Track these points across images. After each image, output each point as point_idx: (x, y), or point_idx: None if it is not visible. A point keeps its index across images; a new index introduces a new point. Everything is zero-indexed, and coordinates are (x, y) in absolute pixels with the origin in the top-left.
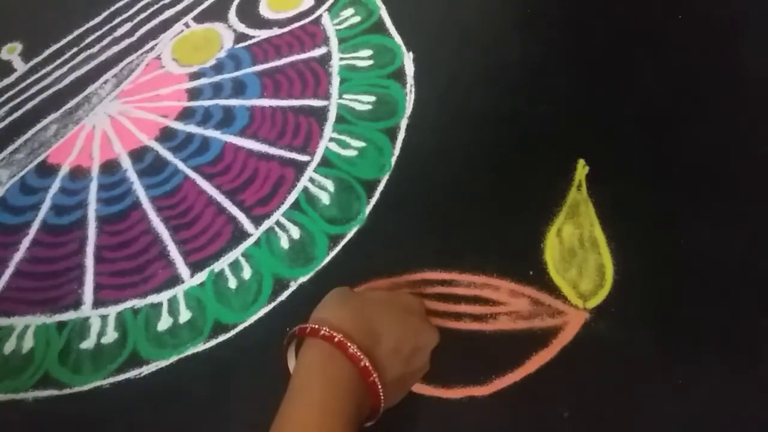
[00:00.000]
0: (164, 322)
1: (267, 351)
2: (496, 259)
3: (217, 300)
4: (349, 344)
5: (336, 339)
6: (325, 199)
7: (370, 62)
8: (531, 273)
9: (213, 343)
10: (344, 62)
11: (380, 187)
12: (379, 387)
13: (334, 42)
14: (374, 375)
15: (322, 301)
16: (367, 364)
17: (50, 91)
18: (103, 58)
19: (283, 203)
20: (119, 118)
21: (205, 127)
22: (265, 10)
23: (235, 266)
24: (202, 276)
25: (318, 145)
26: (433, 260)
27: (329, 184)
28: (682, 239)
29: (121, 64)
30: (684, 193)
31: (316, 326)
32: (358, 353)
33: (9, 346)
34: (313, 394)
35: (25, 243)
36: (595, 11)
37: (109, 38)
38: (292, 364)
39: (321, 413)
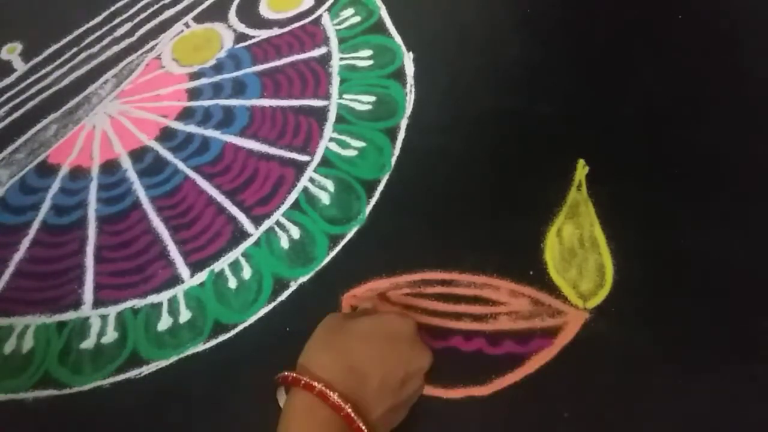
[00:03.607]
0: (164, 322)
1: (267, 351)
2: (496, 259)
3: (217, 300)
4: (329, 393)
5: (316, 389)
6: (325, 199)
7: (370, 62)
8: (531, 273)
9: (213, 343)
10: (344, 62)
11: (380, 187)
12: (364, 430)
13: (334, 42)
14: (358, 421)
15: (311, 336)
16: (350, 411)
17: (50, 91)
18: (103, 58)
19: (283, 203)
20: (119, 118)
21: (205, 127)
22: (265, 10)
23: (235, 266)
24: (202, 276)
25: (318, 145)
26: (433, 260)
27: (329, 184)
28: (682, 239)
29: (121, 64)
30: (684, 193)
31: (297, 376)
32: (339, 402)
33: (9, 346)
34: None
35: (25, 243)
36: (595, 11)
37: (109, 38)
38: (282, 403)
39: None
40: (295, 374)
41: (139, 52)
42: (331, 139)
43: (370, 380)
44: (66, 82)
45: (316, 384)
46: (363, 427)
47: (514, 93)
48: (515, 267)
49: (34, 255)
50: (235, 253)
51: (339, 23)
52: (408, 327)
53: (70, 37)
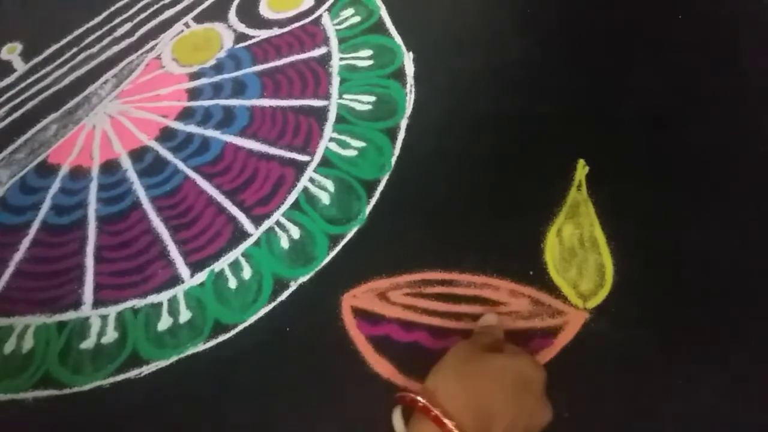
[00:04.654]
0: (164, 322)
1: (267, 351)
2: (496, 259)
3: (217, 300)
4: None
5: (447, 427)
6: (325, 199)
7: (370, 62)
8: (531, 273)
9: (213, 343)
10: (344, 62)
11: (380, 187)
12: None
13: (334, 42)
14: None
15: (441, 361)
16: None
17: (50, 91)
18: (103, 58)
19: (283, 203)
20: (119, 118)
21: (205, 127)
22: (265, 10)
23: (235, 266)
24: (202, 276)
25: (318, 145)
26: (433, 260)
27: (329, 184)
28: (682, 239)
29: (121, 64)
30: (684, 193)
31: (427, 405)
32: None
33: (9, 346)
34: None
35: (25, 243)
36: (595, 11)
37: (109, 38)
38: (398, 425)
39: None
40: (424, 401)
41: (139, 52)
42: (331, 139)
43: (496, 425)
44: (66, 82)
45: (447, 422)
46: None
47: (514, 93)
48: (515, 267)
49: (34, 255)
50: (235, 253)
51: (339, 23)
52: (541, 377)
53: (70, 37)
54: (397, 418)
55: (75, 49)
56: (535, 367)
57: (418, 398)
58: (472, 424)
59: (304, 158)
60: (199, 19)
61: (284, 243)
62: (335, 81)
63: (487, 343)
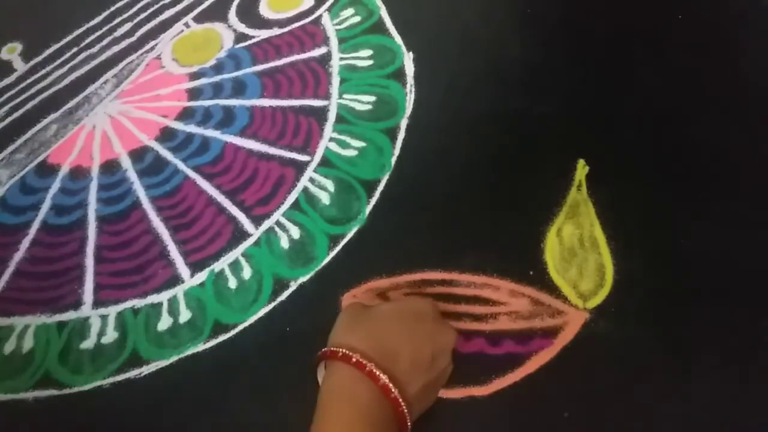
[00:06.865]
0: (164, 322)
1: (267, 351)
2: (496, 259)
3: (217, 300)
4: (366, 363)
5: (354, 360)
6: (325, 199)
7: (370, 62)
8: (531, 273)
9: (213, 343)
10: (344, 62)
11: (380, 187)
12: (401, 402)
13: (334, 42)
14: (394, 392)
15: (335, 324)
16: (386, 381)
17: (50, 91)
18: (103, 58)
19: (283, 203)
20: (119, 118)
21: (205, 127)
22: (265, 10)
23: (235, 266)
24: (202, 276)
25: (318, 145)
26: (433, 260)
27: (329, 184)
28: (682, 239)
29: (121, 64)
30: (684, 193)
31: (335, 349)
32: (376, 371)
33: (9, 346)
34: (338, 413)
35: (25, 243)
36: (595, 11)
37: (109, 38)
38: (321, 379)
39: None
40: (332, 348)
41: (139, 52)
42: (331, 139)
43: (402, 358)
44: (66, 82)
45: (353, 355)
46: (399, 397)
47: (514, 93)
48: (515, 267)
49: (34, 255)
50: (235, 253)
51: (339, 23)
52: (429, 306)
53: (70, 37)
54: (320, 376)
55: (75, 49)
56: (421, 299)
57: (339, 350)
58: (378, 360)
59: (304, 158)
60: (199, 19)
61: (284, 243)
62: (335, 81)
63: (369, 302)
